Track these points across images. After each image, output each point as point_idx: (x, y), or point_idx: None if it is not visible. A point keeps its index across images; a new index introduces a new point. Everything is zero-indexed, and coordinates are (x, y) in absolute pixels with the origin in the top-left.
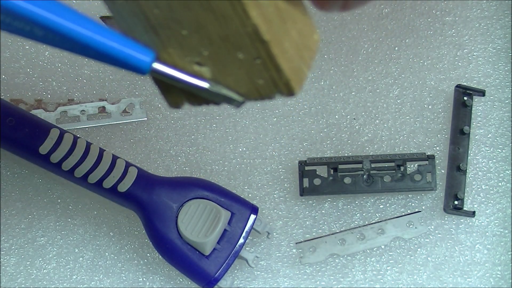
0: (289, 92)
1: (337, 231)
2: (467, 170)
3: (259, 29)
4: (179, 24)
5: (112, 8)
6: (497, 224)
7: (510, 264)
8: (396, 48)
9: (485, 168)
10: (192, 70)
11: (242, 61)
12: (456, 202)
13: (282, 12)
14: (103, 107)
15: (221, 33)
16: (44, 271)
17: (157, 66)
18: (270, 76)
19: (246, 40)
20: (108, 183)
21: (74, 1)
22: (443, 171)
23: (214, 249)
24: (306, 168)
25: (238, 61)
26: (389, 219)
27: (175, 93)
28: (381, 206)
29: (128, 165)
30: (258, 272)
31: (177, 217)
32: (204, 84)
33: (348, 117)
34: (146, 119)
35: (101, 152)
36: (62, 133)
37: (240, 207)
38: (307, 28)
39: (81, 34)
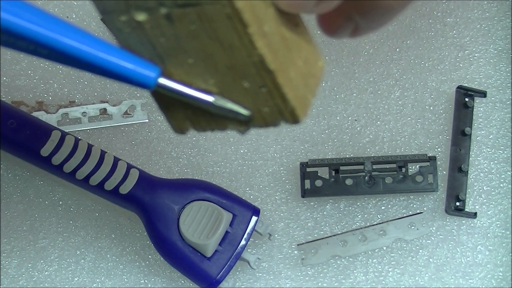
0: (294, 120)
1: (339, 232)
2: (469, 171)
3: (265, 59)
4: (185, 53)
5: (118, 36)
6: (498, 225)
7: None
8: (397, 50)
9: (486, 169)
10: None
11: (247, 89)
12: (457, 203)
13: (288, 41)
14: (104, 109)
15: (227, 62)
16: (46, 273)
17: (163, 81)
18: (275, 104)
19: (252, 69)
20: (109, 185)
21: (75, 2)
22: (444, 172)
23: (215, 251)
24: (308, 169)
25: (243, 89)
26: (390, 220)
27: (179, 118)
28: (382, 208)
29: (129, 167)
30: (260, 274)
31: (178, 219)
32: (209, 98)
33: (350, 118)
34: (147, 121)
35: (103, 154)
36: (64, 135)
37: (241, 208)
38: (312, 55)
39: (85, 52)
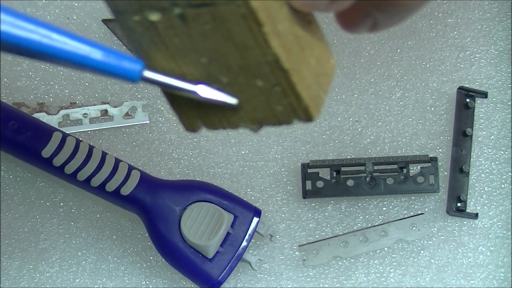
0: (308, 118)
1: (340, 233)
2: (470, 172)
3: (279, 58)
4: (198, 53)
5: (130, 36)
6: (500, 226)
7: None
8: (399, 50)
9: (487, 170)
10: None
11: (261, 88)
12: (459, 204)
13: (301, 40)
14: (106, 110)
15: (241, 61)
16: (47, 274)
17: (148, 74)
18: (289, 103)
19: (265, 68)
20: (111, 187)
21: (76, 3)
22: (445, 173)
23: (217, 252)
24: (309, 170)
25: (257, 88)
26: (392, 221)
27: (191, 116)
28: (384, 209)
29: (130, 168)
30: (261, 275)
31: (180, 220)
32: (194, 89)
33: (351, 119)
34: (148, 122)
35: (104, 155)
36: (65, 136)
37: (243, 210)
38: (324, 53)
39: (71, 53)
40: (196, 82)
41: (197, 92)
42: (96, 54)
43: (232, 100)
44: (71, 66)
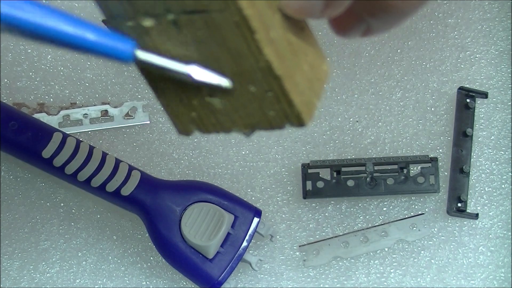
0: (300, 123)
1: (341, 233)
2: (470, 172)
3: (272, 65)
4: (192, 58)
5: None
6: (500, 226)
7: None
8: (399, 51)
9: (488, 170)
10: (203, 101)
11: (254, 94)
12: (459, 204)
13: (294, 46)
14: (106, 111)
15: (234, 68)
16: (48, 275)
17: (140, 54)
18: (281, 109)
19: (258, 74)
20: (111, 187)
21: (76, 3)
22: (446, 173)
23: (217, 252)
24: (309, 170)
25: (250, 93)
26: (392, 221)
27: (185, 120)
28: (384, 209)
29: (131, 168)
30: (262, 275)
31: (180, 220)
32: (187, 69)
33: (351, 119)
34: (148, 122)
35: (104, 155)
36: (65, 136)
37: (243, 210)
38: (317, 59)
39: (64, 34)
40: (189, 62)
41: (190, 74)
42: (89, 35)
43: (225, 83)
44: (65, 47)
